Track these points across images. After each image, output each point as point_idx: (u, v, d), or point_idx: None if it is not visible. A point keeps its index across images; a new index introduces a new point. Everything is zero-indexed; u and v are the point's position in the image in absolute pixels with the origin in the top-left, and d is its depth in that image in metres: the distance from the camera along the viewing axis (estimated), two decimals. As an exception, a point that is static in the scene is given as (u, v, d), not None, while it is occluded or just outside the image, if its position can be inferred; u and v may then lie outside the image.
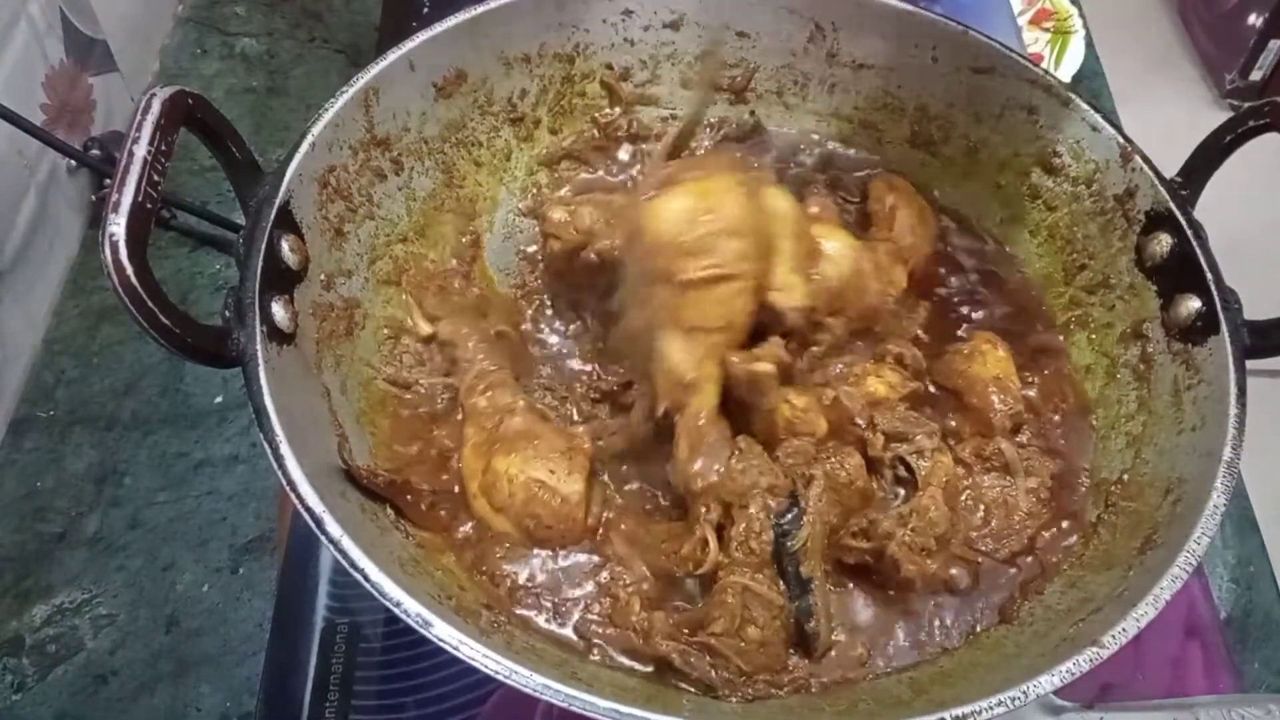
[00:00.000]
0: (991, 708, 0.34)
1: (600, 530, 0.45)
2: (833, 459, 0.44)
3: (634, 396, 0.47)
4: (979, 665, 0.40)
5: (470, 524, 0.44)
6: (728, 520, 0.43)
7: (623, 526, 0.45)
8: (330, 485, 0.39)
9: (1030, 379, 0.51)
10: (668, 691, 0.40)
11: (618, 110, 0.59)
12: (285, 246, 0.43)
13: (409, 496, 0.43)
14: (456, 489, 0.46)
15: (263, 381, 0.38)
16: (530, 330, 0.53)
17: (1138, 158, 0.50)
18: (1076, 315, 0.53)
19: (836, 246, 0.49)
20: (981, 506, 0.46)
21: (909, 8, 0.55)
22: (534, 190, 0.58)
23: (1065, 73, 0.78)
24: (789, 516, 0.42)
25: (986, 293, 0.55)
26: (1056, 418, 0.50)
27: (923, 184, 0.58)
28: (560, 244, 0.51)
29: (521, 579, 0.43)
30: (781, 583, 0.42)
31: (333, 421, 0.44)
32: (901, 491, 0.45)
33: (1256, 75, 1.60)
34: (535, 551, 0.44)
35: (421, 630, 0.34)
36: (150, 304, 0.35)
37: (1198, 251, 0.46)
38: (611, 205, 0.52)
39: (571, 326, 0.53)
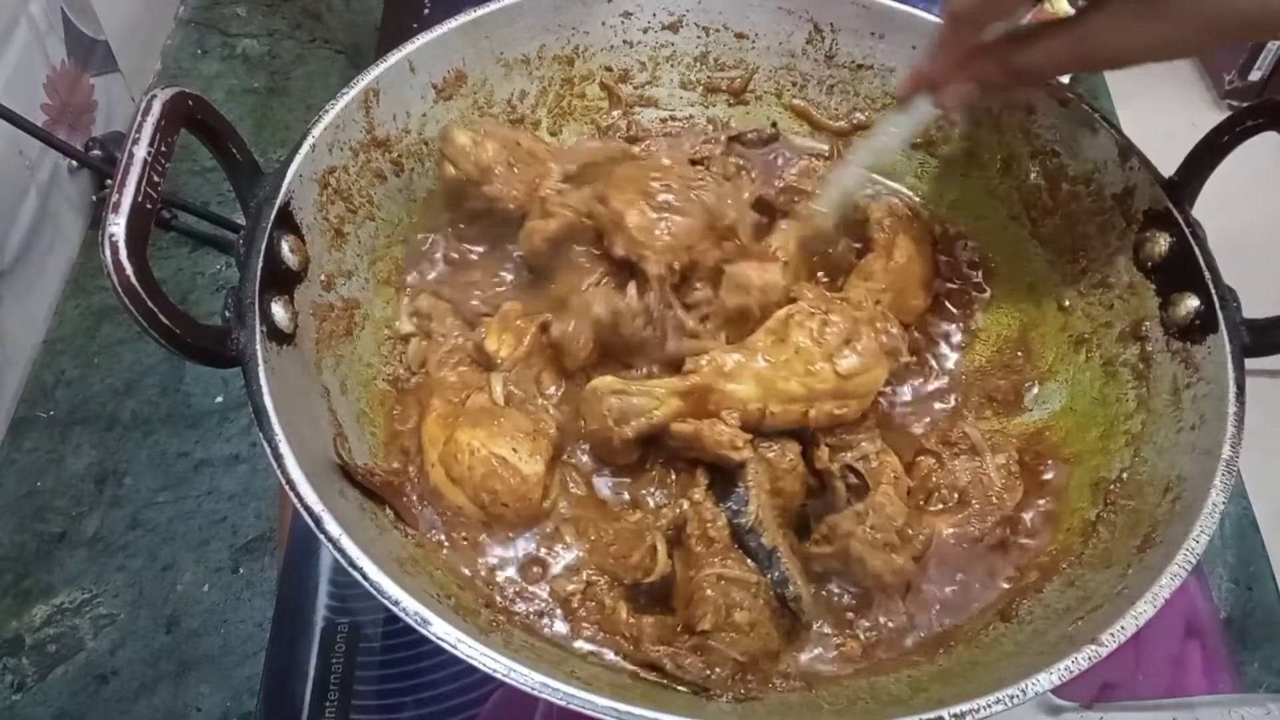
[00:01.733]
0: (990, 706, 0.34)
1: (552, 521, 0.45)
2: (774, 448, 0.45)
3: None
4: (978, 663, 0.40)
5: (421, 496, 0.44)
6: (680, 524, 0.43)
7: (577, 516, 0.45)
8: (329, 485, 0.39)
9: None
10: (665, 690, 0.40)
11: (617, 113, 0.59)
12: (285, 247, 0.43)
13: (406, 499, 0.44)
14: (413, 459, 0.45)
15: (262, 381, 0.38)
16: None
17: (1135, 157, 0.50)
18: (1075, 315, 0.53)
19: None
20: (957, 492, 0.47)
21: (908, 8, 0.55)
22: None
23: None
24: (734, 496, 0.43)
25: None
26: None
27: (923, 186, 0.59)
28: (456, 172, 0.49)
29: (501, 579, 0.43)
30: (750, 560, 0.42)
31: (332, 421, 0.44)
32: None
33: (1255, 75, 1.59)
34: (508, 546, 0.44)
35: (420, 629, 0.34)
36: (150, 304, 0.35)
37: (1196, 250, 0.46)
38: (518, 149, 0.50)
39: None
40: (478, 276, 0.52)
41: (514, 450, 0.43)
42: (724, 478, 0.44)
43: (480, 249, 0.52)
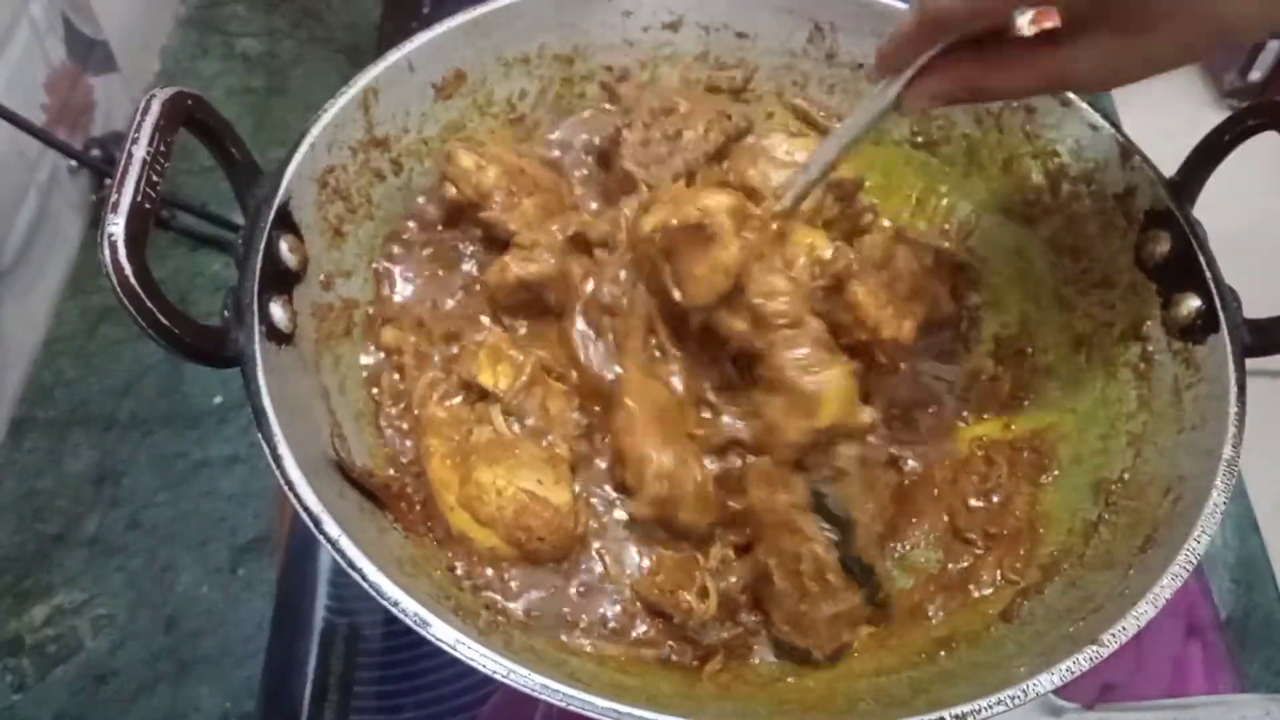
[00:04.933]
0: (991, 707, 0.34)
1: (588, 546, 0.44)
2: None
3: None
4: (979, 664, 0.40)
5: (449, 540, 0.43)
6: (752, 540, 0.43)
7: (609, 543, 0.44)
8: (329, 485, 0.39)
9: None
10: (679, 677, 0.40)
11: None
12: (284, 247, 0.43)
13: (404, 503, 0.43)
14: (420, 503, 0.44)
15: (261, 382, 0.38)
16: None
17: (1137, 157, 0.50)
18: (1076, 315, 0.53)
19: None
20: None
21: (908, 8, 0.55)
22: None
23: (1065, 73, 0.78)
24: (838, 526, 0.43)
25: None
26: None
27: (923, 185, 0.59)
28: (456, 193, 0.49)
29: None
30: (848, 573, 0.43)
31: (331, 422, 0.44)
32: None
33: (1255, 75, 1.60)
34: (546, 579, 0.43)
35: (419, 630, 0.34)
36: (149, 304, 0.35)
37: (1197, 250, 0.46)
38: (522, 176, 0.50)
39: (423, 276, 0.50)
40: (449, 304, 0.50)
41: (539, 481, 0.42)
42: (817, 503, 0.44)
43: (456, 276, 0.51)
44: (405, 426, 0.46)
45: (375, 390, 0.47)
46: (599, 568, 0.44)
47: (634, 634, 0.42)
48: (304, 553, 0.53)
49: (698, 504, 0.43)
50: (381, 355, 0.48)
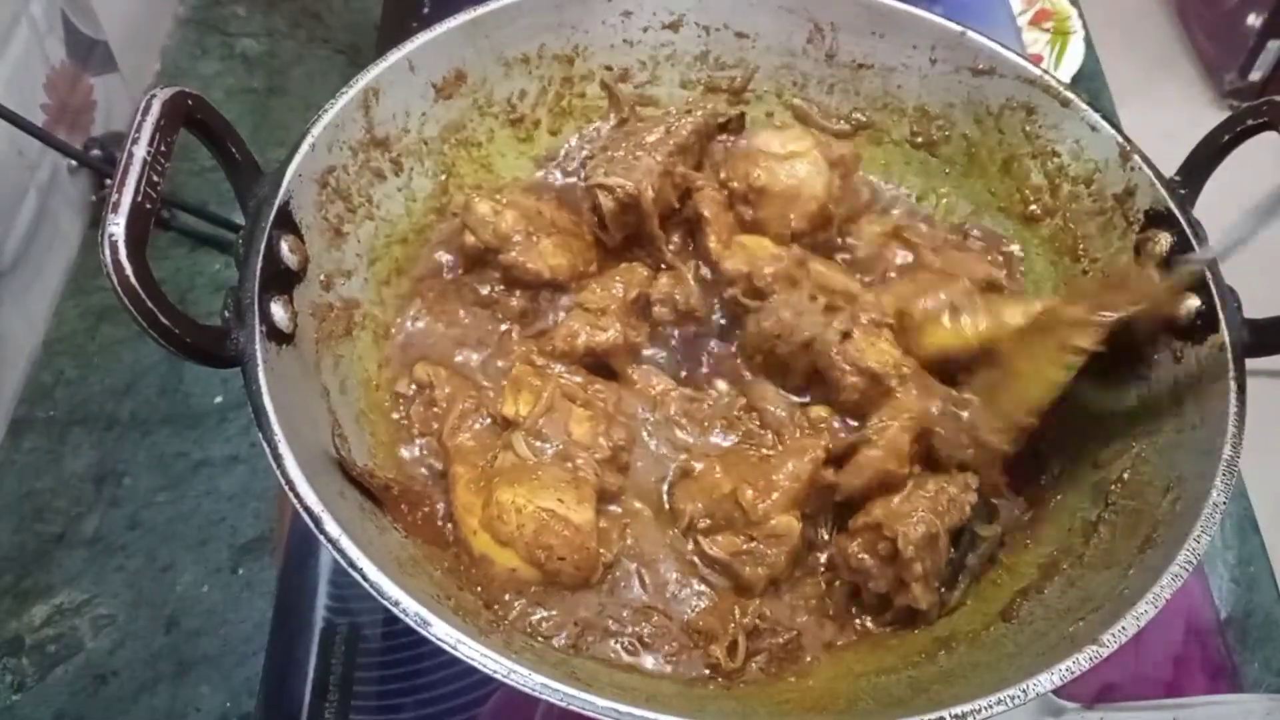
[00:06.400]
0: (991, 706, 0.34)
1: (614, 572, 0.43)
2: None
3: None
4: (979, 664, 0.40)
5: (471, 566, 0.42)
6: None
7: (644, 575, 0.44)
8: (329, 485, 0.39)
9: None
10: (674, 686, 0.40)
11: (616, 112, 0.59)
12: (285, 247, 0.43)
13: (404, 505, 0.43)
14: (450, 529, 0.44)
15: (262, 381, 0.38)
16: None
17: (1137, 157, 0.50)
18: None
19: None
20: None
21: (908, 8, 0.55)
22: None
23: (1065, 73, 0.78)
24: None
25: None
26: None
27: (923, 185, 0.59)
28: (476, 240, 0.50)
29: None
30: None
31: (332, 421, 0.44)
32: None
33: (1255, 75, 1.60)
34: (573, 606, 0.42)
35: (420, 630, 0.34)
36: (149, 304, 0.35)
37: (1197, 250, 0.46)
38: (539, 218, 0.51)
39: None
40: (472, 335, 0.51)
41: (560, 501, 0.42)
42: None
43: (477, 309, 0.52)
44: (432, 458, 0.47)
45: (405, 420, 0.48)
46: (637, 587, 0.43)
47: (664, 650, 0.42)
48: (304, 552, 0.53)
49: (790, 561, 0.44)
50: (414, 388, 0.49)
